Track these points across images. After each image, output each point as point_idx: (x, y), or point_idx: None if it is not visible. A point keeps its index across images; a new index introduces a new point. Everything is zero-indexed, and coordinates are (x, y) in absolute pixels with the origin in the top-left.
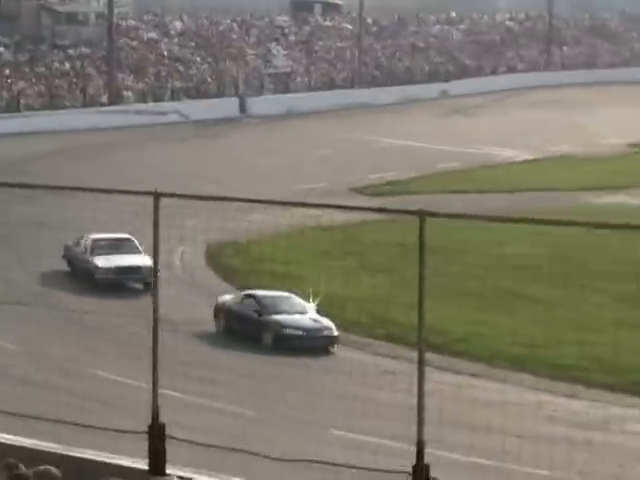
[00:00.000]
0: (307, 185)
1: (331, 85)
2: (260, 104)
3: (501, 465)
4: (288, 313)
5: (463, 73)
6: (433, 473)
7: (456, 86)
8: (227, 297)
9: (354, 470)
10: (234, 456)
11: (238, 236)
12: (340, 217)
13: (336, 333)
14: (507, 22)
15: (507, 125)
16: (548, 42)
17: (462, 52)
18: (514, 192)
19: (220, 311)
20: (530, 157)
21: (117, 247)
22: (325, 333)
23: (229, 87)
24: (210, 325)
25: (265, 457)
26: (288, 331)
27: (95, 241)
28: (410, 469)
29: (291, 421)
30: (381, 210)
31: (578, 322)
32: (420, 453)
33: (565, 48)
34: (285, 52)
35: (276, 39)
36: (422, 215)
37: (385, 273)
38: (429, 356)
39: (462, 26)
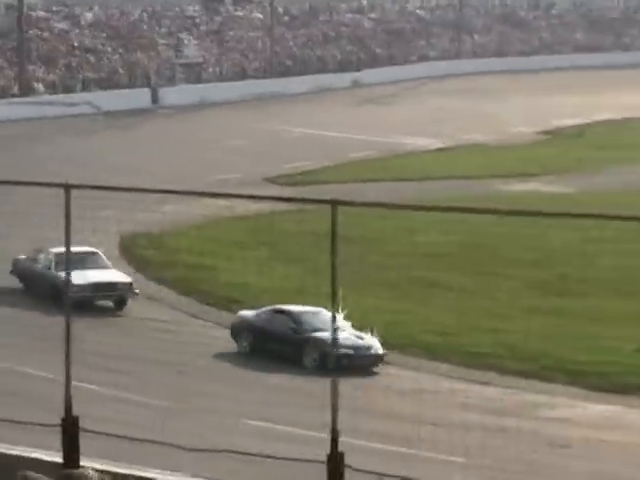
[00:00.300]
0: (220, 176)
1: (243, 75)
2: (172, 94)
3: (417, 453)
4: (326, 330)
5: (375, 62)
6: (348, 461)
7: (368, 75)
8: (248, 313)
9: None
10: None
11: (152, 227)
12: (254, 207)
13: (382, 351)
14: (418, 11)
15: (419, 114)
16: (459, 30)
17: (374, 41)
18: (427, 180)
19: (241, 328)
20: (442, 145)
21: (83, 261)
22: (372, 352)
23: (141, 78)
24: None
25: (181, 448)
26: (337, 351)
27: (59, 255)
28: (325, 458)
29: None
30: (294, 200)
31: (491, 309)
32: (334, 441)
33: (476, 36)
34: (196, 42)
35: (187, 29)
36: (334, 204)
37: (299, 263)
38: None
39: (373, 15)
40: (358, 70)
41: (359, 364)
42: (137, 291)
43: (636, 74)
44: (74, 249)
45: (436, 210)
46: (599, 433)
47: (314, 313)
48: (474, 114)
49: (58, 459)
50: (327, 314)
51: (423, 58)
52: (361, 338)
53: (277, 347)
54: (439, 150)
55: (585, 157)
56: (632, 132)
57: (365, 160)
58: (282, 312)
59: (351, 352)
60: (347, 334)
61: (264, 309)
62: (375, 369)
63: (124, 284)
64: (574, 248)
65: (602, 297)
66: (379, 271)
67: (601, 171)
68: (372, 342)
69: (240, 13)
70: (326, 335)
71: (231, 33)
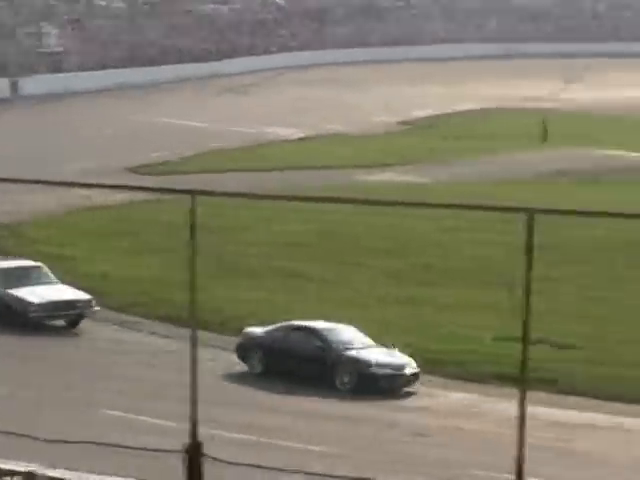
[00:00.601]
0: (81, 165)
1: (104, 65)
2: (32, 84)
3: (275, 442)
4: (357, 348)
5: (236, 52)
6: (207, 451)
7: (229, 65)
8: (257, 330)
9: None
10: None
11: (11, 217)
12: (115, 197)
13: (417, 369)
14: (279, 1)
15: (281, 104)
16: (321, 20)
17: (235, 31)
18: (288, 170)
19: (251, 348)
20: (304, 135)
21: (28, 277)
22: (407, 370)
23: (0, 67)
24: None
25: (37, 439)
26: (374, 370)
27: (6, 271)
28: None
29: None
30: (153, 189)
31: (350, 299)
32: (194, 431)
33: (338, 27)
34: (57, 31)
35: (48, 18)
36: (193, 194)
37: (159, 253)
38: (204, 335)
39: (235, 5)
40: (219, 60)
41: (398, 384)
42: (97, 308)
43: (495, 65)
44: (16, 263)
45: (296, 200)
46: (457, 421)
47: (337, 330)
48: (336, 104)
49: None
50: (349, 330)
51: (285, 48)
52: (393, 355)
53: (300, 368)
54: (300, 140)
55: (444, 147)
56: (490, 122)
57: (226, 150)
58: (301, 329)
59: (389, 372)
60: (378, 351)
61: (276, 326)
62: (411, 389)
63: (84, 302)
64: (431, 238)
65: (459, 286)
66: (239, 261)
67: (459, 161)
68: (406, 360)
69: (101, 2)
70: (361, 354)
71: (93, 22)
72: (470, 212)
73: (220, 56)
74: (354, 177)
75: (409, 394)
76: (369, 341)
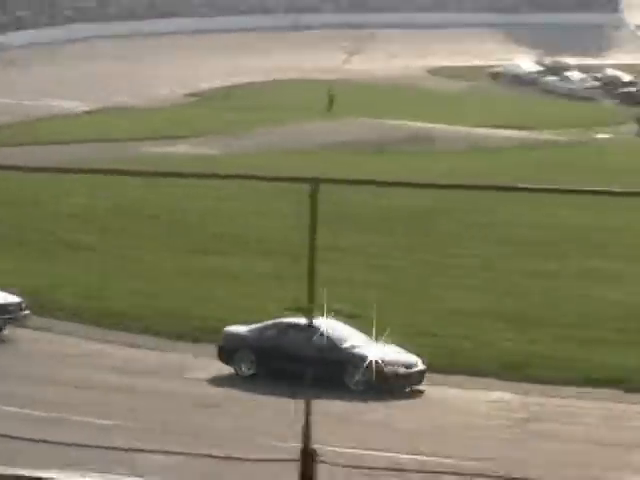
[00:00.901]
0: None
1: None
2: None
3: (60, 416)
4: (362, 345)
5: (19, 24)
6: None
7: (11, 38)
8: (241, 329)
9: None
10: None
11: None
12: None
13: (425, 367)
14: None
15: (65, 76)
16: None
17: (16, 3)
18: (75, 144)
19: (237, 348)
20: (90, 108)
21: None
22: (417, 368)
23: None
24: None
25: None
26: (389, 369)
27: None
28: None
29: None
30: None
31: (141, 271)
32: None
33: None
34: None
35: None
36: None
37: None
38: None
39: None
40: (0, 33)
41: (412, 383)
42: (28, 312)
43: (282, 36)
44: None
45: (82, 173)
46: (251, 395)
47: (334, 326)
48: (121, 76)
49: None
50: (344, 326)
51: (67, 20)
52: (400, 353)
53: (302, 368)
54: (87, 113)
55: (232, 119)
56: (277, 94)
57: (9, 124)
58: (297, 326)
59: (401, 370)
60: (386, 349)
61: (265, 324)
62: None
63: (15, 305)
64: (219, 209)
65: (247, 257)
66: (27, 234)
67: (247, 133)
68: (413, 358)
69: None
70: (370, 352)
71: None
72: (257, 183)
73: (1, 28)
74: (142, 150)
75: (420, 392)
76: (366, 337)
